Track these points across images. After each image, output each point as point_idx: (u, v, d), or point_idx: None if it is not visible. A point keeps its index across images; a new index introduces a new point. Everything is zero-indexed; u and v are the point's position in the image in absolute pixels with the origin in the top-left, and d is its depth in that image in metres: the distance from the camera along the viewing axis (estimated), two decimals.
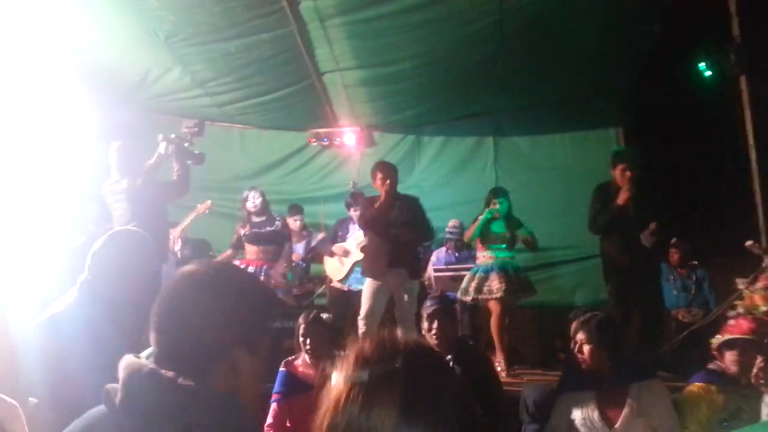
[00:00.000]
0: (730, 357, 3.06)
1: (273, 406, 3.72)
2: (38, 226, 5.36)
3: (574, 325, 3.19)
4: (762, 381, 2.50)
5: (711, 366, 3.17)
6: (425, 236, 5.94)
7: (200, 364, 1.22)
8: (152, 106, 7.45)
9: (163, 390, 1.17)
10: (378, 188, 5.61)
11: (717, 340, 3.18)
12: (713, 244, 7.06)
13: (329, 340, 3.81)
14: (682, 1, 5.47)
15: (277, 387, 3.78)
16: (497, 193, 5.83)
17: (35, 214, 5.36)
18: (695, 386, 3.11)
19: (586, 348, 3.08)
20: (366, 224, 5.71)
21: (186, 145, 5.29)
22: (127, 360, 1.24)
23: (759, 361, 2.61)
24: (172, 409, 1.16)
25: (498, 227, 5.69)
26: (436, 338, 3.69)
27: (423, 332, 3.81)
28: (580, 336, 3.11)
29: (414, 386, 0.86)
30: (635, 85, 7.05)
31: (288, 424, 3.69)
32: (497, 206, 5.64)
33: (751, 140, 4.68)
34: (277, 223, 6.06)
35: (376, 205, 5.51)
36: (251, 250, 6.07)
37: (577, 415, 3.09)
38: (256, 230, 5.97)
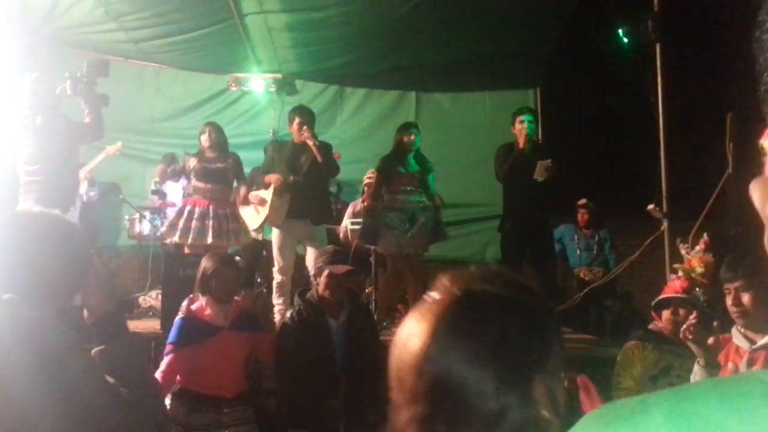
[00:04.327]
0: (665, 316, 3.19)
1: (171, 355, 3.44)
2: None
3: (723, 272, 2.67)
4: (690, 337, 2.56)
5: (651, 326, 3.31)
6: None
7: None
8: (61, 38, 6.96)
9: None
10: (293, 132, 5.51)
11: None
12: (616, 205, 7.42)
13: (237, 282, 3.73)
14: None
15: (176, 335, 3.49)
16: (409, 126, 5.68)
17: None
18: (630, 344, 3.24)
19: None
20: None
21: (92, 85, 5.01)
22: None
23: (692, 317, 2.70)
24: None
25: (406, 166, 5.48)
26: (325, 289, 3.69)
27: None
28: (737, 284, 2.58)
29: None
30: (554, 47, 7.21)
31: (191, 371, 3.46)
32: (413, 138, 5.48)
33: (660, 106, 4.89)
34: (229, 160, 5.67)
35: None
36: (198, 188, 5.64)
37: None
38: (206, 165, 5.57)
